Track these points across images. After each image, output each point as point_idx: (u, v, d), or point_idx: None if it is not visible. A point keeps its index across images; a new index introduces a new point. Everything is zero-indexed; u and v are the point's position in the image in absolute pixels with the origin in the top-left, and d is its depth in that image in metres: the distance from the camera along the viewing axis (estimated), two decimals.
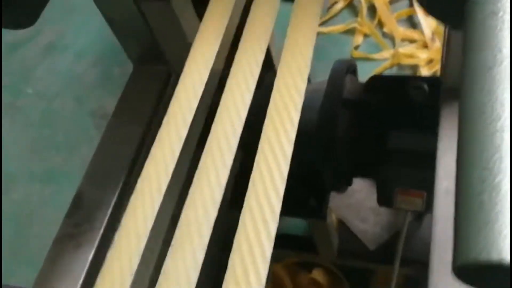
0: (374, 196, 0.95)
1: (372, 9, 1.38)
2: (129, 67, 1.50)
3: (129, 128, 0.61)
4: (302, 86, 0.44)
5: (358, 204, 0.96)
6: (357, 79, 0.77)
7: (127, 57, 1.60)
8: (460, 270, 0.18)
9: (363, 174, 0.76)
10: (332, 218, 0.90)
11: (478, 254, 0.17)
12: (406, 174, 0.67)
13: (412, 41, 1.31)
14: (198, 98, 0.46)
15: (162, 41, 0.60)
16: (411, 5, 1.35)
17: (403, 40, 1.31)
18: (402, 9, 1.35)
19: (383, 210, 0.94)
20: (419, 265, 0.87)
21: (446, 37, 0.54)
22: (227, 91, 0.45)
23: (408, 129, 0.67)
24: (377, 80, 0.72)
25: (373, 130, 0.69)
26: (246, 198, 0.39)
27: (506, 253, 0.17)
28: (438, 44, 1.25)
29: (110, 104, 1.49)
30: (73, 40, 1.62)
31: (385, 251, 0.91)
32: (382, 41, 1.32)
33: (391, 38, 1.33)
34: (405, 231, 0.74)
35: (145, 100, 0.64)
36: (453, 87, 0.55)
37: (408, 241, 0.88)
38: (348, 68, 0.74)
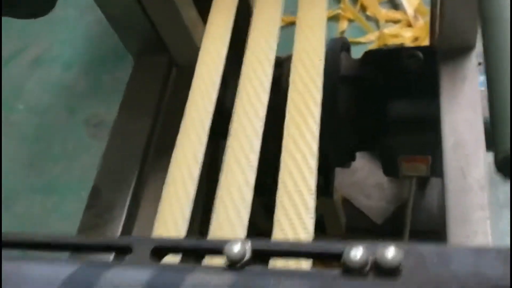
0: (376, 173, 0.97)
1: None
2: (120, 74, 1.50)
3: (137, 120, 0.63)
4: (319, 81, 0.45)
5: (361, 182, 0.98)
6: (351, 56, 0.79)
7: (115, 66, 1.58)
8: (503, 163, 0.20)
9: (367, 147, 0.78)
10: (338, 196, 0.92)
11: None
12: (408, 141, 0.69)
13: (395, 21, 1.33)
14: (213, 103, 0.46)
15: (162, 32, 0.62)
16: None
17: (387, 21, 1.34)
18: None
19: (386, 184, 0.96)
20: (425, 235, 0.89)
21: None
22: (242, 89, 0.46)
23: (406, 97, 0.69)
24: (372, 54, 0.74)
25: (373, 103, 0.71)
26: (277, 198, 0.39)
27: None
28: (421, 22, 1.28)
29: (104, 111, 1.50)
30: (60, 52, 1.62)
31: (392, 224, 0.92)
32: (366, 24, 1.35)
33: (375, 20, 1.35)
34: (412, 199, 0.76)
35: (149, 91, 0.66)
36: (449, 48, 0.57)
37: (413, 213, 0.90)
38: (342, 46, 0.76)
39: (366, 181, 0.98)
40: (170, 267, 0.22)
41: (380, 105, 0.70)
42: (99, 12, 0.65)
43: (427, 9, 1.28)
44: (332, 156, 0.76)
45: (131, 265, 0.23)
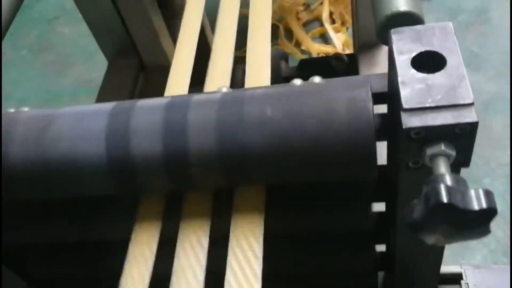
0: None
1: (289, 32, 1.59)
2: None
3: None
4: None
5: None
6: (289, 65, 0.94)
7: (71, 99, 1.64)
8: (380, 29, 0.33)
9: None
10: None
11: (391, 8, 0.32)
12: None
13: (326, 54, 1.52)
14: None
15: (134, 36, 0.74)
16: (321, 25, 1.58)
17: (319, 54, 1.53)
18: (315, 29, 1.58)
19: None
20: None
21: (354, 8, 0.73)
22: None
23: None
24: (306, 61, 0.90)
25: None
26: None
27: (405, 6, 0.33)
28: (348, 53, 1.48)
29: None
30: (13, 90, 1.69)
31: None
32: (301, 57, 1.53)
33: (309, 53, 1.54)
34: None
35: (121, 90, 0.77)
36: (364, 43, 0.73)
37: None
38: (282, 56, 0.92)
39: None
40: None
41: None
42: (53, 52, 0.74)
43: (352, 42, 1.48)
44: None
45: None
